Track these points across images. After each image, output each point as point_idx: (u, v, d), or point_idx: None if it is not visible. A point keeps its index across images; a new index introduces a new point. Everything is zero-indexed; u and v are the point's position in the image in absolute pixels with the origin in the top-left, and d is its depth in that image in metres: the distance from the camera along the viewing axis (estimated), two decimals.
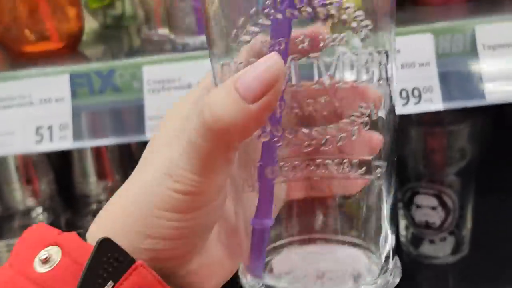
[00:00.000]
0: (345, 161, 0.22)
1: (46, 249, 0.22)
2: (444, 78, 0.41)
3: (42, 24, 0.50)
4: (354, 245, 0.24)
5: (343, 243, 0.24)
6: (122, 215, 0.22)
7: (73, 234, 0.22)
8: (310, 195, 0.24)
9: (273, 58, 0.19)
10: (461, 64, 0.42)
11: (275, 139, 0.21)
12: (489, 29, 0.41)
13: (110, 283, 0.21)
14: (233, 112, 0.19)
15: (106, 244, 0.21)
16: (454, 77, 0.41)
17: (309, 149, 0.22)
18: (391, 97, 0.23)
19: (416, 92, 0.41)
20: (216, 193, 0.22)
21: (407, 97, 0.42)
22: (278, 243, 0.25)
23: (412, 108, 0.41)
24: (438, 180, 0.55)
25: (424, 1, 0.54)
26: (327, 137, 0.21)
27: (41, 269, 0.21)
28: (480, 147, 0.56)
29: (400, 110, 0.41)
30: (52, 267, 0.21)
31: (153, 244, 0.22)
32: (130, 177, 0.24)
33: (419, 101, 0.41)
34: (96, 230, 0.23)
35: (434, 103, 0.41)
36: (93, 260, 0.21)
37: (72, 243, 0.22)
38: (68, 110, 0.42)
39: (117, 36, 0.63)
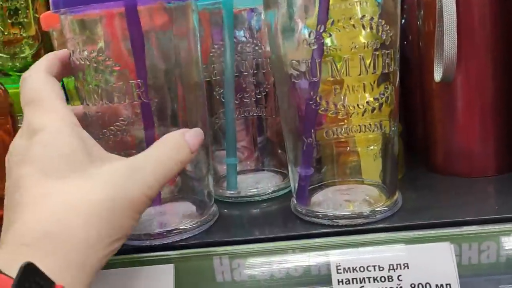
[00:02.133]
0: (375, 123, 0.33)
1: None
2: None
3: None
4: (369, 183, 0.37)
5: (361, 182, 0.37)
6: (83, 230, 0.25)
7: None
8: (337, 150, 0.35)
9: (199, 131, 0.32)
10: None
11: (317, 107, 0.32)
12: None
13: None
14: (188, 157, 0.31)
15: (28, 269, 0.22)
16: None
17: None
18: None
19: None
20: None
21: None
22: (316, 185, 0.37)
23: None
24: None
25: (442, 168, 0.42)
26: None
27: None
28: None
29: None
30: None
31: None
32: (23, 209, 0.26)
33: None
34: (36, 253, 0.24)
35: None
36: (18, 285, 0.21)
37: None
38: None
39: None
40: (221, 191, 0.43)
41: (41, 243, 0.24)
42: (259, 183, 0.43)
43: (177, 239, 0.34)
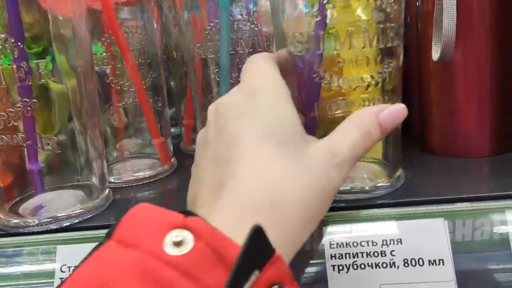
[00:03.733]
0: (379, 97, 0.32)
1: (176, 231, 0.21)
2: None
3: None
4: (372, 161, 0.36)
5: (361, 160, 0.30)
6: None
7: (198, 218, 0.21)
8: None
9: (400, 110, 0.29)
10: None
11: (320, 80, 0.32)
12: None
13: (256, 272, 0.20)
14: (377, 141, 0.28)
15: (257, 232, 0.20)
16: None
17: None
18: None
19: None
20: None
21: None
22: None
23: None
24: None
25: (438, 150, 0.41)
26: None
27: (173, 251, 0.20)
28: None
29: None
30: (187, 251, 0.20)
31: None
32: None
33: None
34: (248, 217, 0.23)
35: None
36: (247, 247, 0.20)
37: (202, 227, 0.21)
38: None
39: None
40: None
41: (267, 210, 0.23)
42: None
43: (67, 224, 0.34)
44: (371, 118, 0.28)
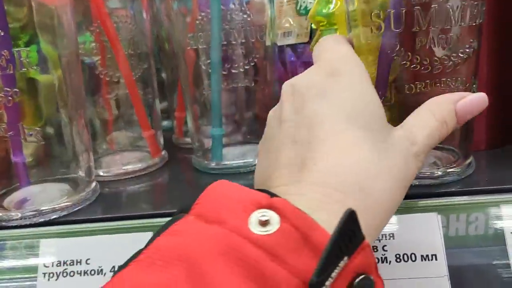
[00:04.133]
0: (459, 78, 0.31)
1: (261, 211, 0.20)
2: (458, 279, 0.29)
3: None
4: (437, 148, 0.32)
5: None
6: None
7: (283, 199, 0.21)
8: None
9: (481, 99, 0.28)
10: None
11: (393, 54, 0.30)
12: None
13: (345, 258, 0.19)
14: (451, 130, 0.27)
15: (350, 217, 0.20)
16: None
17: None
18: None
19: None
20: None
21: None
22: None
23: None
24: None
25: None
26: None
27: (258, 231, 0.20)
28: None
29: None
30: (273, 231, 0.19)
31: None
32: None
33: None
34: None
35: None
36: (340, 231, 0.19)
37: (288, 208, 0.20)
38: None
39: None
40: (206, 162, 0.42)
41: (356, 196, 0.22)
42: (245, 155, 0.42)
43: (55, 217, 0.33)
44: (449, 106, 0.27)
